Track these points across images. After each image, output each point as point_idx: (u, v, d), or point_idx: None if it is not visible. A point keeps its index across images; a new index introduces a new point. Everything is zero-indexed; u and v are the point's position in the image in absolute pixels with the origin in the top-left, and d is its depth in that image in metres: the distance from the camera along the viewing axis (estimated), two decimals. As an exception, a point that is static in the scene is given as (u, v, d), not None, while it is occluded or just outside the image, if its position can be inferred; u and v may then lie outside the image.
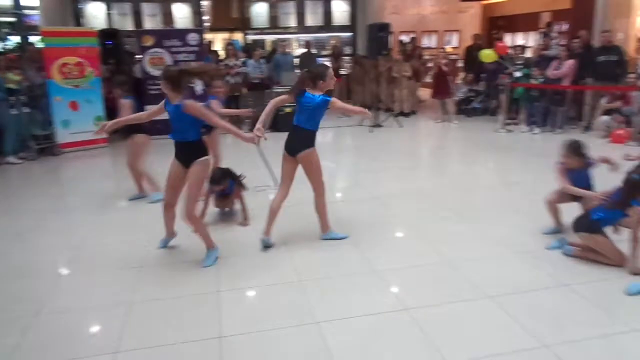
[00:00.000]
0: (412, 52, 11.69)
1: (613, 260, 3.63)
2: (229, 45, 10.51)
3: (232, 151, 8.11)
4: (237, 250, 4.19)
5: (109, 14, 12.88)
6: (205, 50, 9.93)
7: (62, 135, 8.14)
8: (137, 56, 9.53)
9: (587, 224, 3.71)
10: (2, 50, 10.73)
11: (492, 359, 2.68)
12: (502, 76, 9.58)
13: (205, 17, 13.68)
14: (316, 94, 3.97)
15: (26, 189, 6.27)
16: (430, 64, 12.39)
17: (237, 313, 3.22)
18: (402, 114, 10.92)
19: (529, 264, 3.78)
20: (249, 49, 11.72)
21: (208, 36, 13.00)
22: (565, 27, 12.00)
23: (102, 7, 12.88)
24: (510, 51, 10.09)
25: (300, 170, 4.21)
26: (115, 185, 6.38)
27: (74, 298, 3.45)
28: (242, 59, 10.19)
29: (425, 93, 12.41)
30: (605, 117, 8.35)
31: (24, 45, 10.96)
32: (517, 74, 9.39)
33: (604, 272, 3.59)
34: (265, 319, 3.13)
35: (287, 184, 4.20)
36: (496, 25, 15.33)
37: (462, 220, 4.70)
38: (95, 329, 3.11)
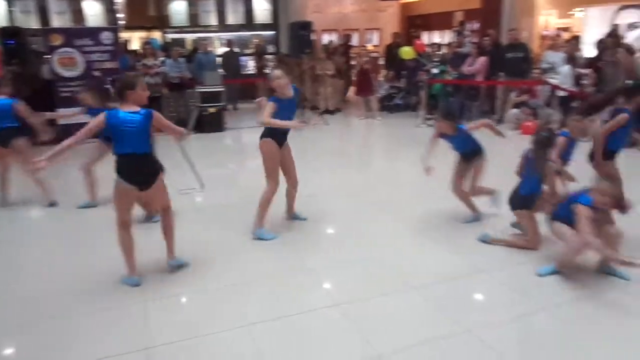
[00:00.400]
0: (334, 50, 11.84)
1: (530, 242, 3.84)
2: (147, 44, 10.09)
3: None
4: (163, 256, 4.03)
5: (10, 12, 11.92)
6: (120, 50, 9.48)
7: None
8: (45, 56, 8.92)
9: (518, 200, 3.84)
10: None
11: (419, 347, 2.77)
12: (421, 73, 9.97)
13: (119, 15, 13.04)
14: (132, 110, 3.31)
15: None
16: (353, 62, 12.63)
17: (165, 321, 3.10)
18: (327, 111, 11.04)
19: (450, 253, 3.95)
20: (168, 48, 11.34)
21: (124, 35, 12.42)
22: (476, 25, 12.70)
23: (2, 4, 11.89)
24: (427, 49, 10.51)
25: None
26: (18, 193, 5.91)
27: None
28: (162, 59, 9.83)
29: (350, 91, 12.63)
30: (515, 110, 8.92)
31: None
32: (435, 71, 9.80)
33: (519, 257, 3.83)
34: (195, 325, 3.04)
35: None
36: (414, 23, 15.91)
37: (388, 215, 4.83)
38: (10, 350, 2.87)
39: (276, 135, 4.19)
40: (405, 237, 4.31)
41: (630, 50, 7.57)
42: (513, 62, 8.93)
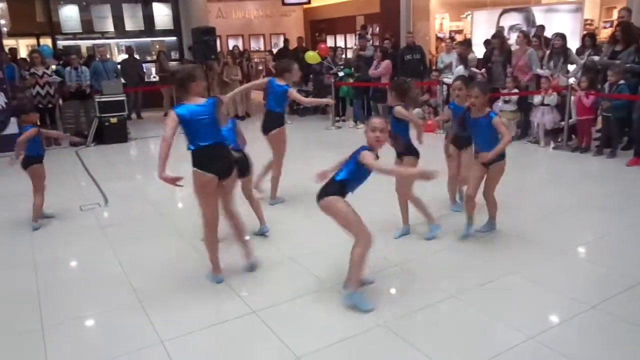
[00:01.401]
0: (240, 55, 11.75)
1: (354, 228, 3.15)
2: (34, 52, 9.33)
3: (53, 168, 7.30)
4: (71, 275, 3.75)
5: None
6: (5, 59, 8.70)
7: None
8: None
9: (331, 188, 3.14)
10: None
11: (340, 344, 2.81)
12: (327, 76, 10.17)
13: (2, 21, 11.97)
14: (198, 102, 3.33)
15: None
16: (260, 67, 12.61)
17: (67, 348, 2.88)
18: (237, 116, 10.90)
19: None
20: (62, 56, 10.60)
21: (9, 42, 11.43)
22: (377, 29, 13.22)
23: None
24: (331, 52, 10.75)
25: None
26: None
27: None
28: (53, 67, 9.17)
29: (258, 96, 12.58)
30: (418, 110, 9.39)
31: None
32: (340, 74, 10.05)
33: (431, 245, 4.02)
34: (102, 347, 2.86)
35: None
36: (318, 28, 16.24)
37: (302, 217, 4.85)
38: None
39: None
40: (317, 237, 4.33)
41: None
42: (411, 63, 9.39)
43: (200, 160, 3.31)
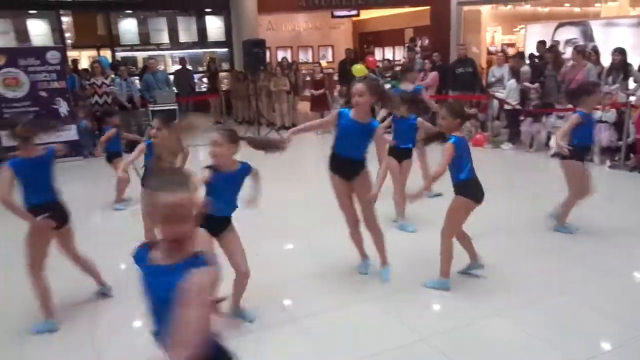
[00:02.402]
0: (288, 66, 11.93)
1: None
2: (95, 62, 9.84)
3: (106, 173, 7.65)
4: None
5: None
6: (68, 70, 9.21)
7: None
8: None
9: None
10: None
11: (377, 357, 2.78)
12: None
13: (67, 34, 12.70)
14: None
15: None
16: (307, 78, 12.76)
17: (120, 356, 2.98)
18: (284, 127, 11.06)
19: (403, 265, 4.00)
20: (118, 67, 11.10)
21: (72, 54, 12.11)
22: (426, 41, 13.13)
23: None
24: (379, 64, 10.75)
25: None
26: None
27: None
28: (112, 77, 9.61)
29: (304, 107, 12.72)
30: (466, 123, 9.22)
31: None
32: (387, 86, 10.02)
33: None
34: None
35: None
36: (366, 40, 16.29)
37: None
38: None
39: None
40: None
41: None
42: (463, 76, 9.25)
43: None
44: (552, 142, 7.98)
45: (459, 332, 3.04)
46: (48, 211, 3.08)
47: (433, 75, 9.26)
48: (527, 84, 8.40)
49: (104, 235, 5.04)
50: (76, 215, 5.65)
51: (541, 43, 9.47)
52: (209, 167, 2.86)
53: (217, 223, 2.92)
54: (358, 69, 9.90)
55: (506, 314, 3.19)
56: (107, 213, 5.90)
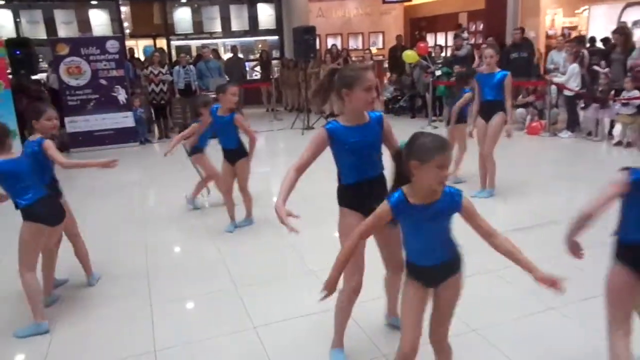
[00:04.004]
0: (338, 53, 11.87)
1: None
2: (155, 52, 10.17)
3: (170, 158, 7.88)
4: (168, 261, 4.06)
5: (16, 22, 12.07)
6: (126, 58, 9.56)
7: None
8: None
9: None
10: None
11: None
12: (425, 75, 9.96)
13: (125, 24, 13.16)
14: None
15: None
16: (357, 66, 12.64)
17: (170, 325, 3.11)
18: (332, 115, 11.05)
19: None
20: (167, 55, 11.38)
21: (130, 43, 12.53)
22: (480, 26, 12.69)
23: (9, 15, 12.05)
24: (430, 51, 10.50)
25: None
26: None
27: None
28: (167, 66, 9.91)
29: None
30: (521, 110, 8.88)
31: None
32: (438, 73, 9.79)
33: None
34: (200, 328, 3.04)
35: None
36: (418, 26, 15.92)
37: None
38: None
39: None
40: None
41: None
42: (517, 62, 8.89)
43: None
44: (616, 130, 7.56)
45: (511, 324, 2.95)
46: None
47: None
48: (597, 67, 7.95)
49: (154, 219, 5.23)
50: (130, 198, 5.91)
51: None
52: None
53: None
54: (409, 56, 9.72)
55: (563, 309, 3.07)
56: (159, 197, 6.11)
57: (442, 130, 9.18)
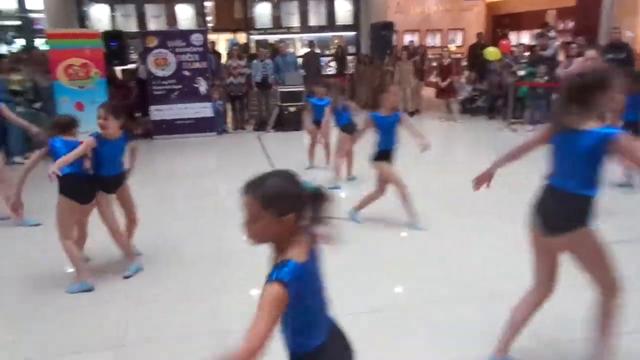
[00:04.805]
0: (415, 51, 11.67)
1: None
2: (234, 45, 10.52)
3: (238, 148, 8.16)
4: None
5: (112, 16, 12.94)
6: (208, 51, 9.95)
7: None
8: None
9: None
10: (7, 53, 10.79)
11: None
12: (507, 75, 9.56)
13: (208, 18, 13.71)
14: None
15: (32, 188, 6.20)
16: (434, 63, 12.38)
17: (237, 311, 3.21)
18: (406, 112, 10.91)
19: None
20: (247, 49, 11.68)
21: (211, 37, 13.03)
22: (570, 24, 11.96)
23: (106, 9, 12.95)
24: (514, 49, 10.06)
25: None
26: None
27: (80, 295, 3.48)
28: (246, 59, 10.19)
29: (429, 92, 12.39)
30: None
31: (30, 48, 11.02)
32: (521, 73, 9.35)
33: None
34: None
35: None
36: (501, 23, 15.29)
37: (463, 217, 4.67)
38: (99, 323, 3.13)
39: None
40: (491, 242, 4.14)
41: None
42: (614, 63, 8.29)
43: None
44: None
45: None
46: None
47: (579, 61, 8.41)
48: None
49: (226, 207, 5.40)
50: (204, 186, 6.15)
51: None
52: None
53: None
54: (491, 53, 9.37)
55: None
56: (232, 186, 6.30)
57: (521, 132, 8.80)
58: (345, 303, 3.17)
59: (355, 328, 1.90)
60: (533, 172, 2.73)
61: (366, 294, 3.37)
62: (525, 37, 13.65)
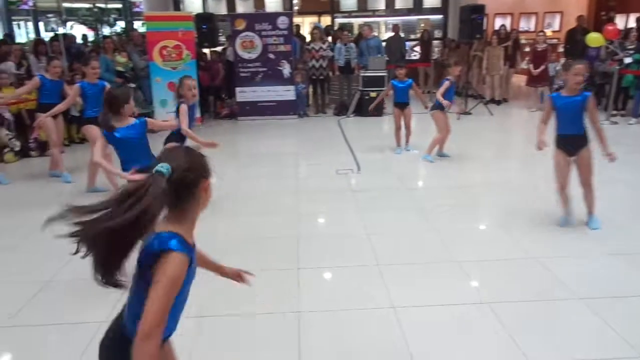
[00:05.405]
0: (506, 35, 11.04)
1: None
2: (315, 29, 10.55)
3: (318, 132, 8.27)
4: (316, 230, 4.25)
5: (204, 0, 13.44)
6: (293, 34, 10.07)
7: (160, 114, 8.68)
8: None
9: None
10: (111, 34, 11.60)
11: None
12: (610, 62, 8.79)
13: (294, 1, 13.83)
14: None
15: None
16: (527, 49, 11.66)
17: (314, 291, 3.27)
18: (493, 101, 10.41)
19: (628, 267, 3.47)
20: (330, 32, 11.63)
21: (296, 20, 13.15)
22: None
23: (199, -8, 13.47)
24: (620, 35, 9.20)
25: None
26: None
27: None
28: (329, 42, 10.19)
29: (519, 80, 11.73)
30: None
31: (129, 30, 11.76)
32: (628, 60, 8.56)
33: None
34: (340, 297, 3.16)
35: None
36: (606, 5, 14.03)
37: (552, 217, 4.40)
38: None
39: None
40: (570, 242, 3.89)
41: None
42: None
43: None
44: None
45: None
46: None
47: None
48: None
49: (305, 189, 5.48)
50: (285, 167, 6.28)
51: None
52: None
53: None
54: (594, 39, 8.62)
55: None
56: (312, 169, 6.39)
57: (622, 125, 8.10)
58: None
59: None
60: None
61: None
62: (632, 21, 12.43)
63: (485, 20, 10.71)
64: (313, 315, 2.97)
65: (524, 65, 11.05)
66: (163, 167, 1.36)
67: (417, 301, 3.09)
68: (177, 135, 4.44)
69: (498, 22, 13.27)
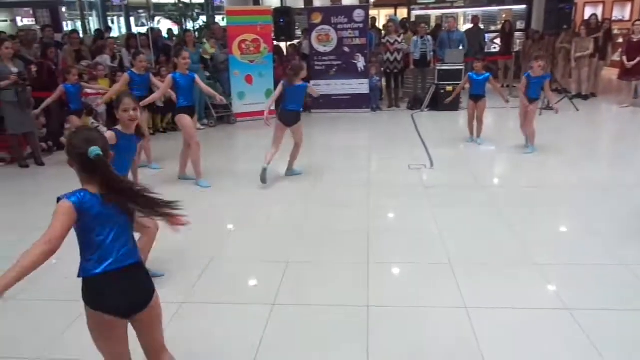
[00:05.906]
0: (597, 26, 10.33)
1: None
2: (390, 21, 10.43)
3: (391, 127, 8.22)
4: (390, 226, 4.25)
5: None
6: (368, 27, 10.01)
7: (237, 106, 9.00)
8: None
9: None
10: (193, 28, 12.15)
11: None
12: None
13: (370, -7, 13.75)
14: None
15: (210, 152, 6.84)
16: (620, 40, 10.85)
17: (384, 285, 3.29)
18: (580, 96, 9.80)
19: None
20: (406, 25, 11.42)
21: (372, 12, 13.07)
22: None
23: (277, -14, 13.75)
24: None
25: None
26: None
27: (239, 251, 3.87)
28: (403, 35, 10.03)
29: (610, 73, 10.96)
30: None
31: (210, 24, 12.25)
32: None
33: None
34: (410, 294, 3.15)
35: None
36: None
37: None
38: (255, 281, 3.45)
39: None
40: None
41: None
42: None
43: None
44: None
45: None
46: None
47: None
48: None
49: (378, 183, 5.48)
50: (358, 161, 6.29)
51: None
52: None
53: None
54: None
55: None
56: (383, 163, 6.36)
57: None
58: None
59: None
60: None
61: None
62: None
63: (574, 9, 10.09)
64: (383, 310, 2.99)
65: (616, 57, 10.30)
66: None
67: (490, 302, 3.02)
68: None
69: (588, 12, 12.45)
